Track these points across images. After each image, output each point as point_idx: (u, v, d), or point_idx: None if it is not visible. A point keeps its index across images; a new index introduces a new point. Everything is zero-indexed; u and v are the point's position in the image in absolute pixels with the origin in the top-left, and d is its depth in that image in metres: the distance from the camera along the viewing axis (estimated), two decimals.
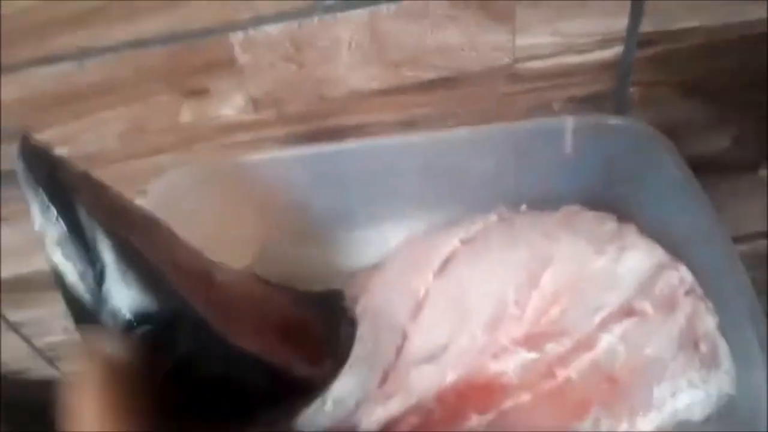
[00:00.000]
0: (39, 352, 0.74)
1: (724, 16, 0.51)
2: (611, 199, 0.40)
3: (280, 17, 0.47)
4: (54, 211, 0.28)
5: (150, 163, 0.55)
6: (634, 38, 0.51)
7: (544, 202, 0.39)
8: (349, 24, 0.48)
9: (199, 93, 0.50)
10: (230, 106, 0.51)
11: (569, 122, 0.40)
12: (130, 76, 0.49)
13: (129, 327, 0.29)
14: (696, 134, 0.59)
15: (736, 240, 0.69)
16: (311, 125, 0.53)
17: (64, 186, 0.29)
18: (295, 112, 0.52)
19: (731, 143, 0.60)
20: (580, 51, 0.51)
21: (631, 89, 0.55)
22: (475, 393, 0.33)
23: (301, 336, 0.39)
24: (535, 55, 0.51)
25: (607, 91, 0.54)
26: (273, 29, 0.47)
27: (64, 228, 0.28)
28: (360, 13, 0.47)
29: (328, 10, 0.47)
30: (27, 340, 0.73)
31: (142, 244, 0.31)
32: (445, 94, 0.52)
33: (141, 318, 0.29)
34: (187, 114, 0.52)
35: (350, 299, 0.39)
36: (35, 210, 0.29)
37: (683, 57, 0.53)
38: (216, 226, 0.44)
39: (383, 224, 0.45)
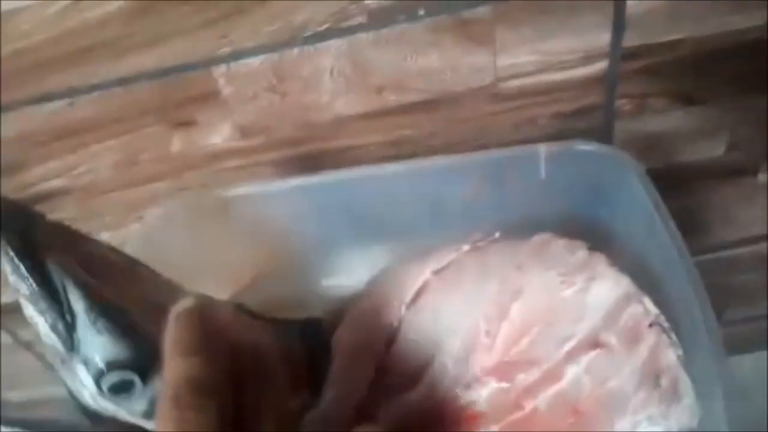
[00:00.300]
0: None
1: (709, 27, 0.50)
2: (586, 222, 0.40)
3: (259, 50, 0.48)
4: (23, 269, 0.29)
5: (145, 191, 0.56)
6: (618, 52, 0.51)
7: (521, 228, 0.40)
8: (330, 53, 0.48)
9: (187, 124, 0.52)
10: (218, 135, 0.52)
11: (542, 149, 0.40)
12: (120, 111, 0.51)
13: (101, 374, 0.30)
14: (689, 142, 0.58)
15: (738, 243, 0.70)
16: (299, 149, 0.54)
17: (33, 243, 0.30)
18: (283, 138, 0.53)
19: (726, 149, 0.59)
20: (563, 68, 0.51)
21: (621, 101, 0.55)
22: (445, 422, 0.34)
23: (282, 366, 0.39)
24: (517, 74, 0.51)
25: (595, 105, 0.54)
26: (254, 61, 0.48)
27: (33, 285, 0.29)
28: (339, 43, 0.48)
29: (307, 41, 0.47)
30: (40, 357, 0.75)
31: (117, 290, 0.32)
32: (429, 115, 0.53)
33: (113, 364, 0.30)
34: (177, 144, 0.53)
35: (330, 327, 0.40)
36: (6, 268, 0.30)
37: (672, 68, 0.53)
38: (206, 257, 0.45)
39: (369, 249, 0.46)
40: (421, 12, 0.47)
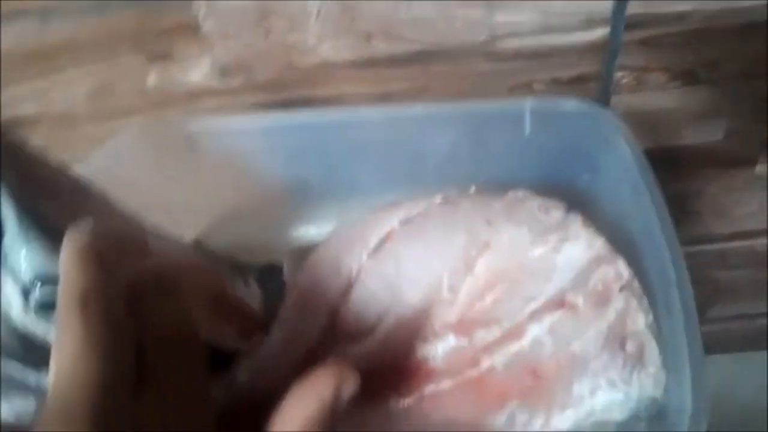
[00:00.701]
0: None
1: (719, 2, 0.48)
2: (568, 183, 0.38)
3: None
4: None
5: (119, 125, 0.54)
6: (621, 20, 0.49)
7: (501, 185, 0.37)
8: None
9: (164, 57, 0.49)
10: (197, 72, 0.50)
11: (528, 104, 0.38)
12: (95, 35, 0.48)
13: (29, 288, 0.28)
14: (687, 124, 0.56)
15: (734, 237, 0.68)
16: (281, 95, 0.52)
17: None
18: (264, 81, 0.51)
19: (724, 135, 0.57)
20: (563, 30, 0.49)
21: (620, 74, 0.52)
22: (397, 375, 0.32)
23: (234, 308, 0.38)
24: (514, 33, 0.49)
25: (594, 74, 0.52)
26: None
27: None
28: None
29: None
30: None
31: (59, 208, 0.30)
32: (420, 68, 0.50)
33: (43, 278, 0.28)
34: (153, 78, 0.51)
35: (290, 274, 0.38)
36: None
37: (676, 42, 0.50)
38: (168, 193, 0.43)
39: (341, 199, 0.44)
40: None
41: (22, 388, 0.30)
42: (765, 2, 0.48)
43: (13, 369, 0.30)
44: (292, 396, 0.23)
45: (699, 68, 0.52)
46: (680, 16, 0.49)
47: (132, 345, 0.21)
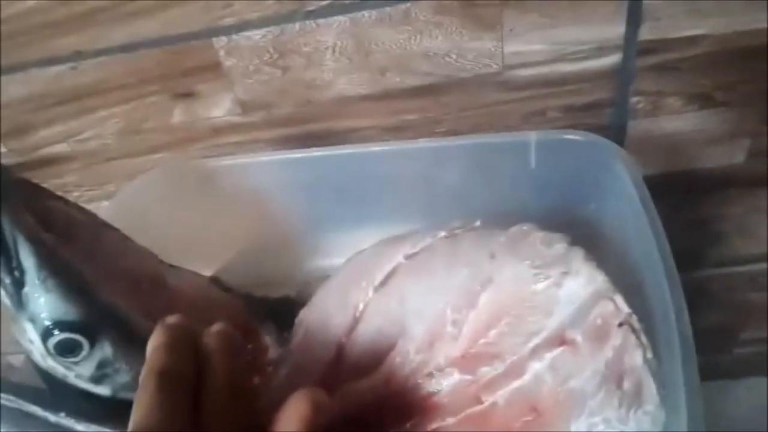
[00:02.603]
0: None
1: (732, 24, 0.48)
2: (575, 213, 0.39)
3: (262, 22, 0.47)
4: None
5: (147, 161, 0.56)
6: (633, 46, 0.49)
7: (507, 216, 0.38)
8: (331, 30, 0.47)
9: (188, 95, 0.51)
10: (219, 108, 0.52)
11: (533, 137, 0.39)
12: (124, 77, 0.51)
13: (48, 333, 0.30)
14: (707, 147, 0.56)
15: (762, 258, 0.66)
16: (300, 129, 0.53)
17: None
18: (283, 116, 0.52)
19: (746, 157, 0.56)
20: (574, 59, 0.49)
21: (635, 99, 0.52)
22: (402, 410, 0.33)
23: (249, 342, 0.39)
24: (525, 63, 0.49)
25: (607, 100, 0.52)
26: (256, 34, 0.48)
27: None
28: (341, 20, 0.47)
29: (309, 16, 0.47)
30: None
31: (77, 251, 0.32)
32: (433, 100, 0.51)
33: (60, 325, 0.30)
34: (179, 115, 0.53)
35: (301, 307, 0.39)
36: None
37: (690, 66, 0.50)
38: (187, 229, 0.45)
39: (355, 231, 0.45)
40: None
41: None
42: None
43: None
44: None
45: (715, 91, 0.52)
46: (692, 41, 0.49)
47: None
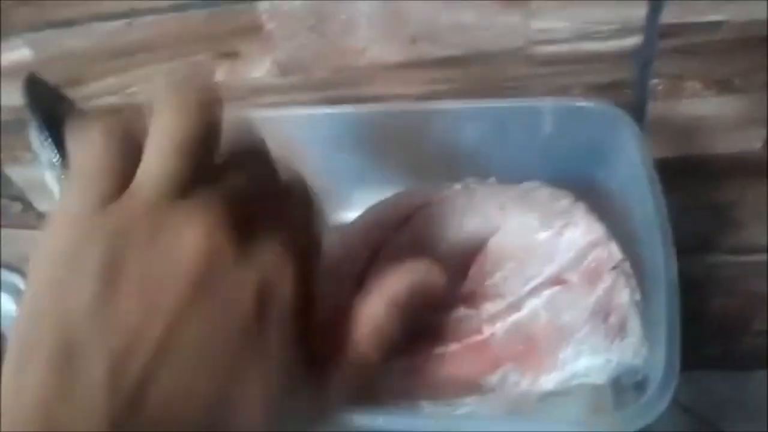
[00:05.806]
0: None
1: (754, 11, 0.50)
2: (583, 179, 0.41)
3: None
4: (45, 136, 0.33)
5: None
6: (655, 28, 0.51)
7: (520, 177, 0.41)
8: None
9: (231, 55, 0.55)
10: (259, 69, 0.56)
11: (548, 104, 0.41)
12: (172, 36, 0.55)
13: None
14: (724, 132, 0.58)
15: None
16: (334, 92, 0.56)
17: (58, 119, 0.34)
18: (319, 79, 0.56)
19: (763, 144, 0.58)
20: (597, 38, 0.52)
21: (655, 81, 0.54)
22: (412, 338, 0.36)
23: None
24: (550, 40, 0.52)
25: (629, 81, 0.54)
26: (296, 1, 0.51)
27: (53, 154, 0.33)
28: None
29: None
30: None
31: None
32: (461, 71, 0.54)
33: None
34: (221, 74, 0.56)
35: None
36: (33, 134, 0.34)
37: (710, 51, 0.52)
38: None
39: (376, 187, 0.48)
40: None
41: None
42: None
43: None
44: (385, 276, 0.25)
45: (734, 77, 0.54)
46: (714, 25, 0.51)
47: None
